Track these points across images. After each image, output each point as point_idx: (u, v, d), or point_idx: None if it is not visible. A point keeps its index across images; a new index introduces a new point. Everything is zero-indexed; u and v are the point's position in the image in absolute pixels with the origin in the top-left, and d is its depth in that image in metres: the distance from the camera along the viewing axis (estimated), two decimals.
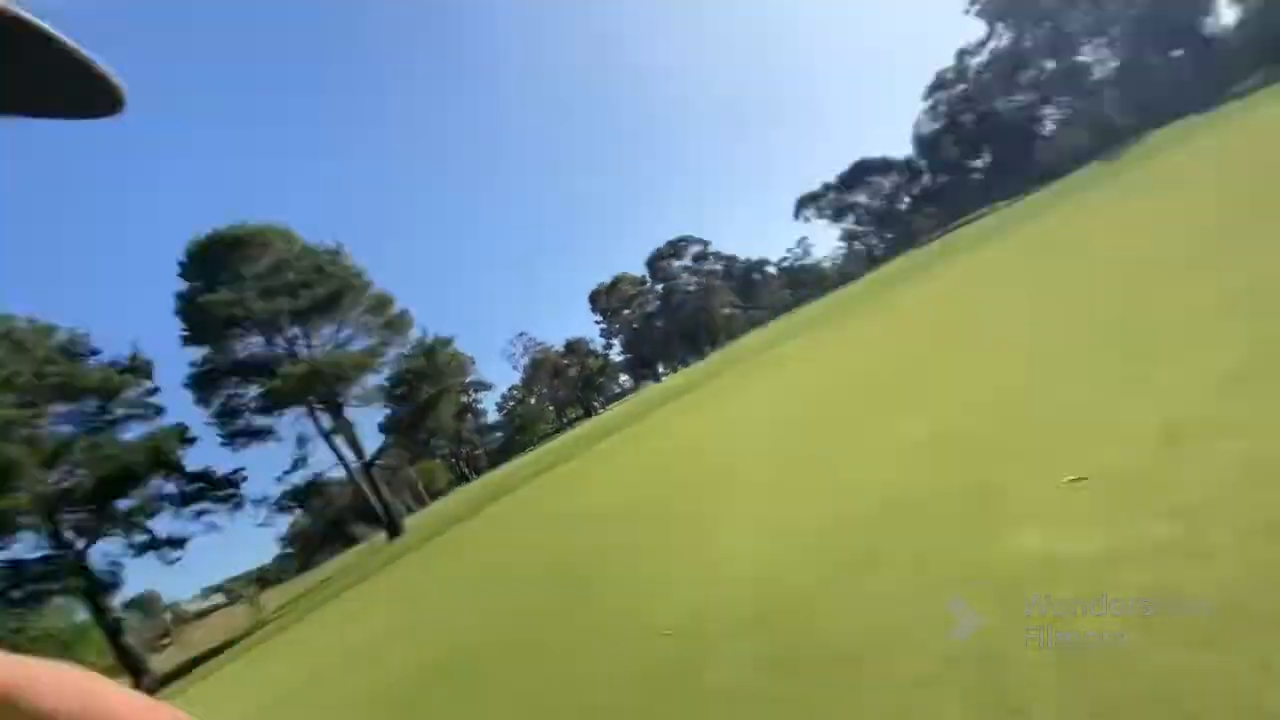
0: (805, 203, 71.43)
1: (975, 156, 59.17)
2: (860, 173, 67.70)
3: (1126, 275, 5.59)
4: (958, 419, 4.04)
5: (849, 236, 73.46)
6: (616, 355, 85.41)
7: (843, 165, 70.85)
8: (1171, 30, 41.98)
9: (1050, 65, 48.55)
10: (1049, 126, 53.53)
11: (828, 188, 69.58)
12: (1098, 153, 35.74)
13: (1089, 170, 29.27)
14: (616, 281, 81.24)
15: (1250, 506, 1.88)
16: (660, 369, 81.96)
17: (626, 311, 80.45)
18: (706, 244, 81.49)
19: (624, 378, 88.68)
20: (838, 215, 71.02)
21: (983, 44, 51.65)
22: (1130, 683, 1.49)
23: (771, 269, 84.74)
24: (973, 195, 57.63)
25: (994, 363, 5.04)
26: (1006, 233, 17.29)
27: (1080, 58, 47.34)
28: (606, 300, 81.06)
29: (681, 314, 76.48)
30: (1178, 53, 42.96)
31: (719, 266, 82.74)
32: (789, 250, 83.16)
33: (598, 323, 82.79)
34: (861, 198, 69.31)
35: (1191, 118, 28.02)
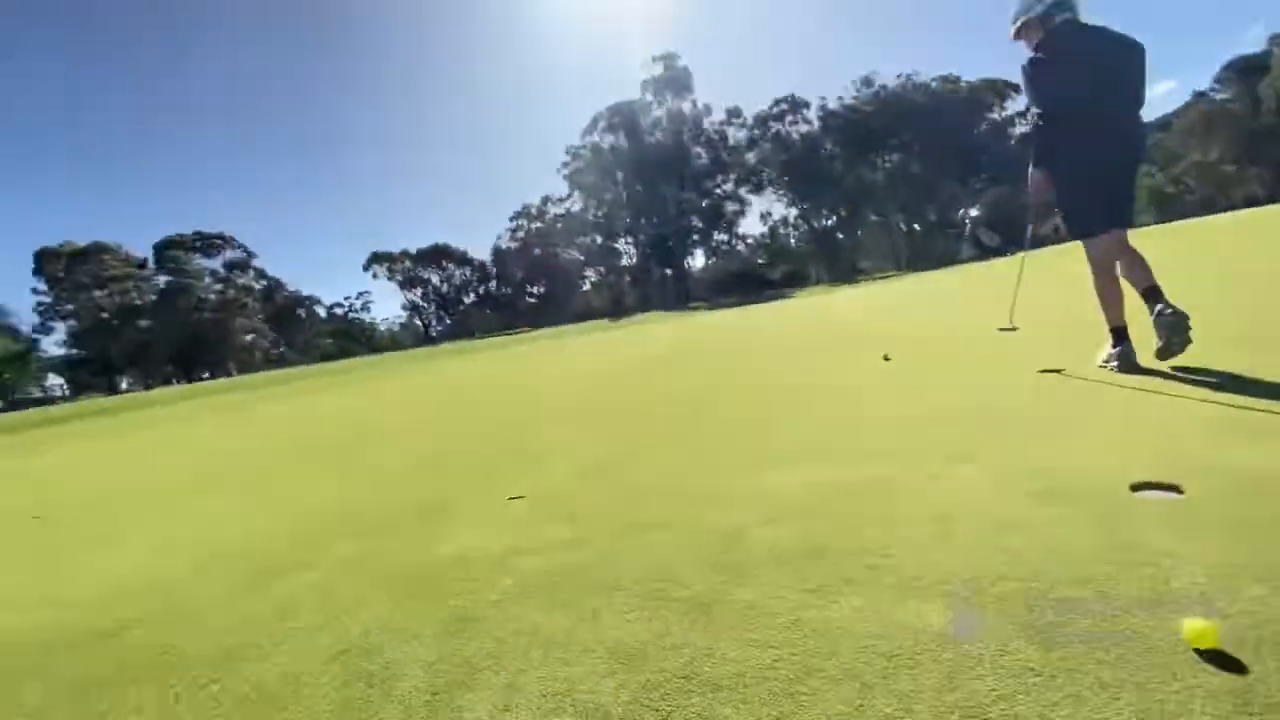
0: (380, 259, 69.31)
1: (535, 283, 69.07)
2: (438, 255, 70.26)
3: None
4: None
5: (412, 308, 73.74)
6: (57, 345, 60.92)
7: (421, 239, 72.49)
8: (666, 256, 59.63)
9: (600, 240, 62.10)
10: (588, 284, 67.39)
11: (406, 254, 69.53)
12: (610, 315, 46.37)
13: (593, 323, 37.53)
14: (95, 251, 60.17)
15: (617, 514, 2.31)
16: (126, 382, 61.95)
17: (100, 293, 59.40)
18: (250, 254, 69.36)
19: (56, 380, 63.23)
20: (407, 284, 71.05)
21: (563, 200, 62.75)
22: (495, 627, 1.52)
23: (321, 310, 77.00)
24: (526, 313, 66.36)
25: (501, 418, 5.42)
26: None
27: (615, 245, 62.14)
28: (68, 268, 58.64)
29: (183, 322, 60.81)
30: (668, 271, 61.05)
31: (258, 285, 70.78)
32: (347, 298, 77.55)
33: (39, 291, 58.49)
34: (434, 277, 71.47)
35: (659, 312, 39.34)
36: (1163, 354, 2.92)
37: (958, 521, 1.76)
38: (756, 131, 57.57)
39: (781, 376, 5.03)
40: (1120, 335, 3.14)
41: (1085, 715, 0.99)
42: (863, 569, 1.60)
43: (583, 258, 64.78)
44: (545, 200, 64.34)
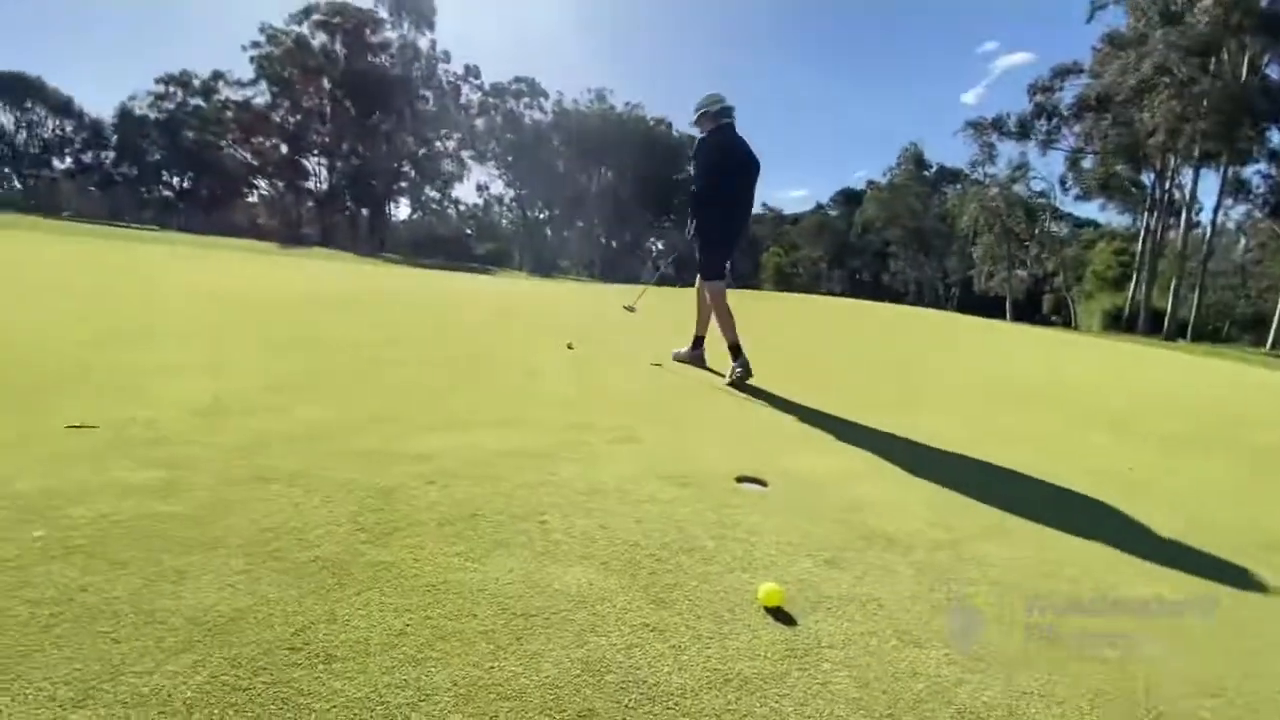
0: None
1: (179, 174, 54.27)
2: (20, 88, 49.70)
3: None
4: None
5: None
6: None
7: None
8: (366, 195, 53.53)
9: (285, 150, 52.16)
10: (254, 197, 56.01)
11: None
12: (281, 240, 39.25)
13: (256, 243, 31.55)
14: None
15: (234, 461, 1.90)
16: None
17: None
18: None
19: None
20: None
21: (243, 85, 50.74)
22: None
23: None
24: (155, 208, 51.58)
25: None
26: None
27: (304, 161, 53.06)
28: None
29: None
30: (365, 211, 54.77)
31: None
32: None
33: None
34: (4, 119, 50.12)
35: None
36: (734, 386, 3.86)
37: (605, 495, 1.91)
38: (492, 100, 55.83)
39: (470, 346, 4.89)
40: (737, 350, 3.93)
41: (682, 663, 1.14)
42: (515, 533, 1.60)
43: (255, 163, 53.29)
44: (216, 77, 50.91)
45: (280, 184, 53.13)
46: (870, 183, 57.26)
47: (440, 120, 53.97)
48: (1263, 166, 28.85)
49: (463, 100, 55.33)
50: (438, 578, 1.35)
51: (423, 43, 51.70)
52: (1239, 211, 35.17)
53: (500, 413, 2.79)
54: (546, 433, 2.51)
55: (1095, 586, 1.62)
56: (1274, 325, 27.80)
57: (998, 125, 37.98)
